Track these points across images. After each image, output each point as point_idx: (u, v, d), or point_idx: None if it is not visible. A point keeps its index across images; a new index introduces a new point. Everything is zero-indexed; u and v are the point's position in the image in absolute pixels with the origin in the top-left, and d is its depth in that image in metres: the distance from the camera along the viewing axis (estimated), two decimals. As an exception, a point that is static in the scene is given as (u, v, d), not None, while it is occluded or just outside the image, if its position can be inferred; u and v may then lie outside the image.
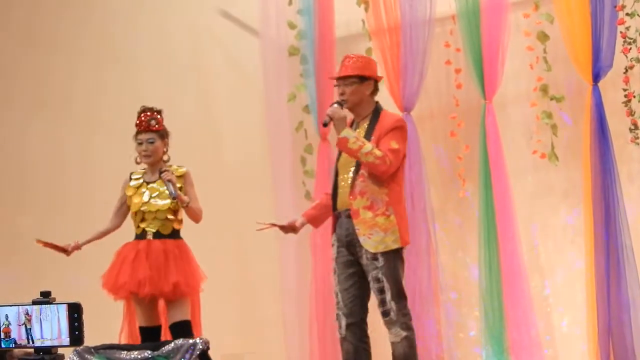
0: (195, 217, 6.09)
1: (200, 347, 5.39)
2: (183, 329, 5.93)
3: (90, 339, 5.57)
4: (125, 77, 7.93)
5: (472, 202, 6.74)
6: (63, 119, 8.08)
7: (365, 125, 5.59)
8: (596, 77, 6.23)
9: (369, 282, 5.49)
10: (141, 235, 6.08)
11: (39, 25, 8.14)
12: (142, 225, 6.08)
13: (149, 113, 6.16)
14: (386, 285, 5.41)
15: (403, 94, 6.76)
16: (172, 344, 5.43)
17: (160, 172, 6.02)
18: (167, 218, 6.06)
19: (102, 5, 8.12)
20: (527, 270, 6.52)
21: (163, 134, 6.17)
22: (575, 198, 6.53)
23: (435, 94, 7.03)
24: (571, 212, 6.60)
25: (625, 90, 6.16)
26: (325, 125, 5.53)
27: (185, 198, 6.02)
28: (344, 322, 5.54)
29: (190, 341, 5.40)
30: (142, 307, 6.04)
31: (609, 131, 6.19)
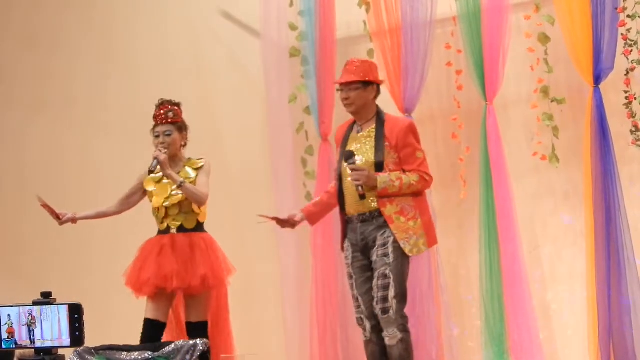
0: (193, 197, 5.95)
1: (201, 348, 5.40)
2: (198, 331, 5.90)
3: (90, 339, 5.58)
4: (126, 77, 7.93)
5: (473, 203, 6.74)
6: (64, 119, 8.08)
7: (370, 129, 5.64)
8: (597, 79, 6.23)
9: (373, 279, 5.52)
10: (165, 231, 6.04)
11: (40, 25, 8.14)
12: (166, 220, 6.04)
13: (167, 105, 6.12)
14: (392, 283, 5.45)
15: (404, 95, 6.76)
16: (173, 345, 5.43)
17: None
18: (191, 211, 6.02)
19: (103, 6, 8.12)
20: (528, 271, 6.51)
21: (181, 126, 6.14)
22: (576, 200, 6.52)
23: (436, 96, 7.02)
24: (572, 213, 6.60)
25: (626, 92, 6.15)
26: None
27: (177, 177, 5.93)
28: (368, 325, 5.60)
29: (191, 342, 5.41)
30: (156, 302, 5.93)
31: (610, 133, 6.18)
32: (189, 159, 6.13)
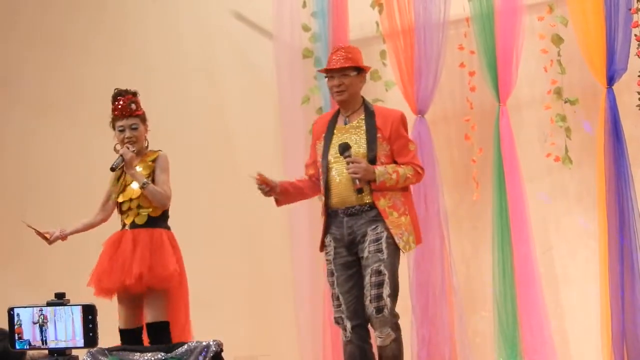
0: (154, 199, 5.69)
1: (214, 349, 5.39)
2: (156, 331, 5.66)
3: (104, 340, 5.58)
4: (137, 78, 7.88)
5: (485, 205, 6.73)
6: (72, 120, 8.07)
7: (359, 120, 5.50)
8: (610, 80, 6.22)
9: (365, 277, 5.35)
10: (122, 227, 5.81)
11: (50, 25, 8.13)
12: (123, 217, 5.80)
13: (127, 96, 5.79)
14: (386, 280, 5.30)
15: (417, 96, 6.75)
16: (185, 346, 5.43)
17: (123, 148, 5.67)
18: (143, 207, 5.73)
19: (114, 6, 8.11)
20: (541, 273, 6.50)
21: (144, 118, 5.82)
22: (589, 201, 6.51)
23: (449, 97, 7.01)
24: (585, 215, 6.59)
25: (639, 93, 6.14)
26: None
27: (141, 178, 5.66)
28: (349, 325, 5.44)
29: (204, 343, 5.40)
30: (123, 308, 5.71)
31: (623, 134, 6.18)
32: (149, 151, 5.83)
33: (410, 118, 5.95)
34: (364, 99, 5.58)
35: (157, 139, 7.36)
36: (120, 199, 5.81)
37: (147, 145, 5.88)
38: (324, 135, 5.56)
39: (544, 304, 6.47)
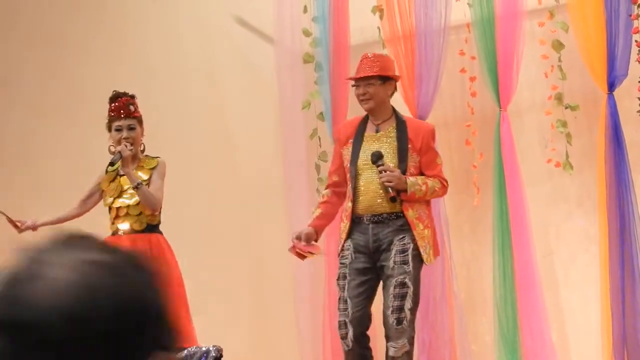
0: (146, 201, 5.65)
1: (213, 354, 5.39)
2: None
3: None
4: (138, 79, 7.88)
5: (486, 209, 6.74)
6: (72, 120, 8.05)
7: (389, 129, 5.53)
8: (611, 86, 6.23)
9: (388, 287, 5.35)
10: (114, 233, 5.79)
11: (50, 26, 8.10)
12: (117, 222, 5.78)
13: (126, 98, 5.79)
14: (410, 294, 5.32)
15: (418, 101, 6.76)
16: (185, 352, 5.43)
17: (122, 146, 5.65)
18: (142, 213, 5.73)
19: (114, 8, 8.09)
20: (542, 278, 6.51)
21: (141, 120, 5.82)
22: (590, 206, 6.52)
23: (449, 102, 7.02)
24: (585, 220, 6.60)
25: (640, 99, 6.16)
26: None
27: (136, 178, 5.63)
28: (351, 332, 5.43)
29: (204, 348, 5.40)
30: None
31: (624, 140, 6.18)
32: (145, 156, 5.83)
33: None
34: (394, 109, 5.60)
35: (157, 140, 7.36)
36: (116, 204, 5.79)
37: (144, 149, 5.88)
38: (351, 141, 5.57)
39: (544, 308, 6.47)
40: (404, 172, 5.43)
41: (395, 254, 5.37)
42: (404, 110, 6.55)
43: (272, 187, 7.47)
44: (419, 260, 5.39)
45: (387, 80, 5.56)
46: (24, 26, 8.06)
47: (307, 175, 7.21)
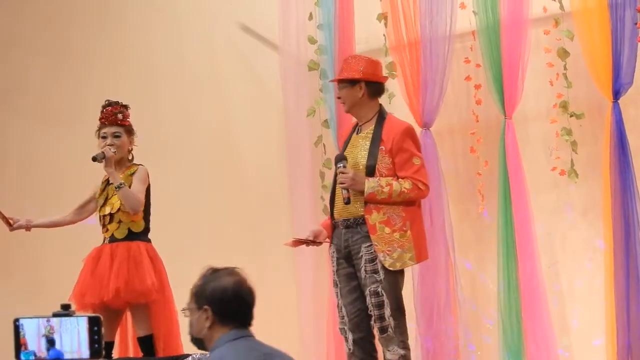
0: (128, 202, 5.68)
1: (218, 362, 5.38)
2: (142, 345, 5.68)
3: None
4: (143, 90, 7.91)
5: (491, 218, 6.72)
6: (75, 129, 8.04)
7: (369, 130, 5.50)
8: (616, 94, 6.22)
9: (366, 297, 5.36)
10: (103, 241, 5.84)
11: (52, 35, 8.11)
12: (102, 230, 5.84)
13: (116, 107, 5.87)
14: (386, 301, 5.29)
15: (422, 109, 6.75)
16: (189, 359, 5.41)
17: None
18: (123, 221, 5.77)
19: (118, 17, 8.08)
20: (546, 286, 6.49)
21: (130, 130, 5.88)
22: (594, 215, 6.51)
23: (454, 110, 7.01)
24: (591, 228, 6.58)
25: (645, 107, 6.16)
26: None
27: (118, 179, 5.69)
28: (350, 337, 5.43)
29: (208, 355, 5.39)
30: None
31: (629, 148, 6.17)
32: (132, 164, 5.89)
33: (416, 131, 5.95)
34: (380, 109, 5.57)
35: (161, 149, 7.38)
36: (101, 212, 5.84)
37: (132, 158, 5.92)
38: (343, 144, 5.62)
39: (549, 317, 6.45)
40: (371, 172, 5.36)
41: (364, 263, 5.35)
42: (409, 118, 6.55)
43: (277, 194, 7.47)
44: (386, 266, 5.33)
45: (356, 82, 5.50)
46: (27, 34, 8.06)
47: (311, 183, 7.21)
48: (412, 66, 6.78)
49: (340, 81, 5.56)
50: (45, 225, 6.05)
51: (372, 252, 5.34)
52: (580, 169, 6.54)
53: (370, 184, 5.31)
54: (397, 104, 6.95)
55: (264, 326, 7.46)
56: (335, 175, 5.53)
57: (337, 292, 5.49)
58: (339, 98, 5.60)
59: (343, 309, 5.46)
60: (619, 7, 6.17)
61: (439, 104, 6.73)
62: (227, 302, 3.79)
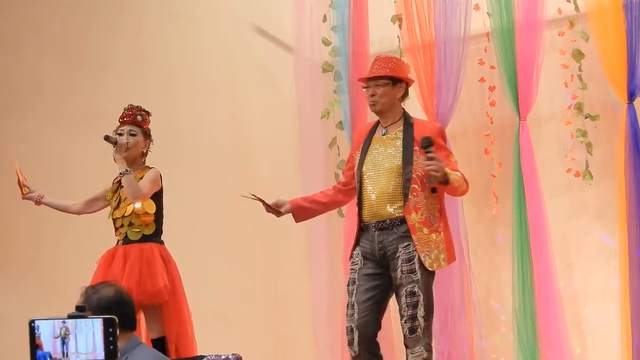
0: (129, 189, 5.71)
1: (232, 362, 5.39)
2: (156, 347, 5.66)
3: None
4: (157, 93, 7.92)
5: (505, 219, 6.72)
6: (91, 135, 8.06)
7: (397, 131, 5.46)
8: (631, 96, 6.21)
9: (399, 297, 5.32)
10: (117, 243, 5.87)
11: (68, 38, 8.13)
12: (116, 233, 5.87)
13: (137, 109, 5.94)
14: (421, 302, 5.28)
15: (437, 111, 6.75)
16: (205, 359, 5.43)
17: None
18: (135, 224, 5.80)
19: (134, 20, 8.10)
20: (561, 289, 6.48)
21: (147, 133, 5.93)
22: (609, 217, 6.49)
23: (469, 112, 7.01)
24: (606, 231, 6.57)
25: (660, 109, 6.14)
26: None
27: (125, 165, 5.75)
28: (356, 336, 5.37)
29: (223, 356, 5.40)
30: None
31: (644, 150, 6.17)
32: (146, 167, 5.93)
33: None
34: (404, 111, 5.56)
35: (177, 150, 7.39)
36: (114, 215, 5.87)
37: (144, 161, 5.96)
38: (362, 145, 5.54)
39: (564, 320, 6.43)
40: (408, 174, 5.33)
41: (402, 263, 5.31)
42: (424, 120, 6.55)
43: (291, 195, 7.42)
44: (426, 267, 5.32)
45: (398, 82, 5.51)
46: (43, 37, 8.08)
47: (325, 184, 7.16)
48: (427, 68, 6.78)
49: (379, 78, 5.51)
50: (54, 205, 6.12)
51: (409, 252, 5.30)
52: (595, 170, 6.53)
53: (449, 173, 5.24)
54: (411, 105, 6.94)
55: (279, 323, 7.51)
56: (358, 174, 5.48)
57: (353, 290, 5.42)
58: (372, 96, 5.46)
59: (355, 306, 5.39)
60: (634, 8, 6.16)
61: (453, 106, 6.73)
62: (112, 309, 4.01)
